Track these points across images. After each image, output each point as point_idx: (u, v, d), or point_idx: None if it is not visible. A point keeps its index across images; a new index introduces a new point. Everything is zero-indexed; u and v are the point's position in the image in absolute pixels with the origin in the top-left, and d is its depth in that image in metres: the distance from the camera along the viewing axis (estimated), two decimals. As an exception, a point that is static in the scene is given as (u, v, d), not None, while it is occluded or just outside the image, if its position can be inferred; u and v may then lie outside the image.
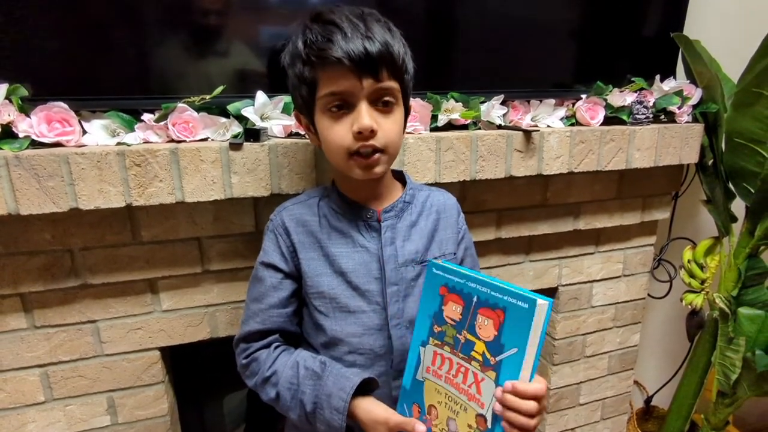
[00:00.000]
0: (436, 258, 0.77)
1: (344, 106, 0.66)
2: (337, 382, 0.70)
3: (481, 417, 0.62)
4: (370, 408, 0.69)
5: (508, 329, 0.59)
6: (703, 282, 1.41)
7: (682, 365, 1.57)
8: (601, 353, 1.45)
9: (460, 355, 0.64)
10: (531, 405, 0.58)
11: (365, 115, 0.65)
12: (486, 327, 0.61)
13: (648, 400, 1.70)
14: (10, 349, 0.91)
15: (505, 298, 0.59)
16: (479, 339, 0.62)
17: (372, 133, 0.66)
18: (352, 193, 0.76)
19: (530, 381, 0.59)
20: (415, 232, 0.77)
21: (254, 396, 1.38)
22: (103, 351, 0.97)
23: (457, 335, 0.64)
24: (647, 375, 1.71)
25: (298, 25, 0.68)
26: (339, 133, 0.67)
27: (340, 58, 0.62)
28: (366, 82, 0.65)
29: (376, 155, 0.68)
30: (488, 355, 0.61)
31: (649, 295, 1.47)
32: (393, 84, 0.68)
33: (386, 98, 0.68)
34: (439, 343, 0.67)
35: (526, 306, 0.57)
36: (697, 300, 1.41)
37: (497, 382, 0.60)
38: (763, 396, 1.28)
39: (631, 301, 1.43)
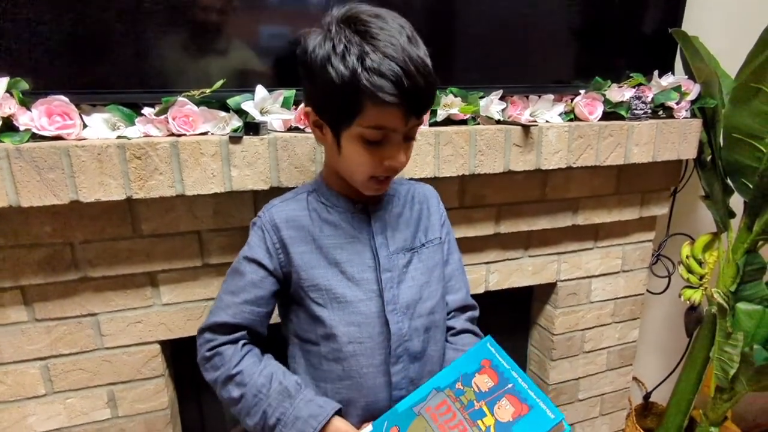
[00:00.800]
0: (423, 245, 0.80)
1: (381, 139, 0.67)
2: (309, 407, 0.71)
3: None
4: (336, 427, 0.71)
5: (523, 423, 0.63)
6: (701, 277, 1.41)
7: (681, 361, 1.57)
8: (600, 349, 1.45)
9: (467, 415, 0.67)
10: None
11: (401, 155, 0.68)
12: (505, 410, 0.65)
13: (647, 396, 1.70)
14: (10, 341, 0.92)
15: (538, 401, 0.64)
16: (493, 415, 0.66)
17: (400, 167, 0.70)
18: (342, 189, 0.77)
19: None
20: (401, 221, 0.79)
21: None
22: (103, 344, 0.97)
23: (475, 401, 0.68)
24: (646, 371, 1.71)
25: (339, 25, 0.64)
26: (370, 161, 0.68)
27: (398, 102, 0.61)
28: (410, 122, 0.66)
29: (390, 179, 0.73)
30: (492, 430, 0.64)
31: (647, 290, 1.47)
32: (425, 117, 0.70)
33: (415, 129, 0.70)
34: (454, 397, 0.70)
35: (553, 417, 0.62)
36: (696, 295, 1.41)
37: None
38: (761, 391, 1.28)
39: (630, 296, 1.43)
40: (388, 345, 0.75)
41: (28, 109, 0.82)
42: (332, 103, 0.66)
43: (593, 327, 1.42)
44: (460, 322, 0.86)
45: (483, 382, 0.69)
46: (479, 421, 0.65)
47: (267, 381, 0.72)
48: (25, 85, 0.81)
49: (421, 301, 0.78)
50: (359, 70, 0.60)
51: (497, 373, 0.69)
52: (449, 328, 0.85)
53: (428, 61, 0.64)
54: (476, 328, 0.88)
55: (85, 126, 0.85)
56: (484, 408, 0.66)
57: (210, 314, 0.77)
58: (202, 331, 0.77)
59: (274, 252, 0.74)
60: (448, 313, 0.86)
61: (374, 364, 0.74)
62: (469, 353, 0.73)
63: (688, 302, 1.42)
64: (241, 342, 0.75)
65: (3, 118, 0.79)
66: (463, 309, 0.87)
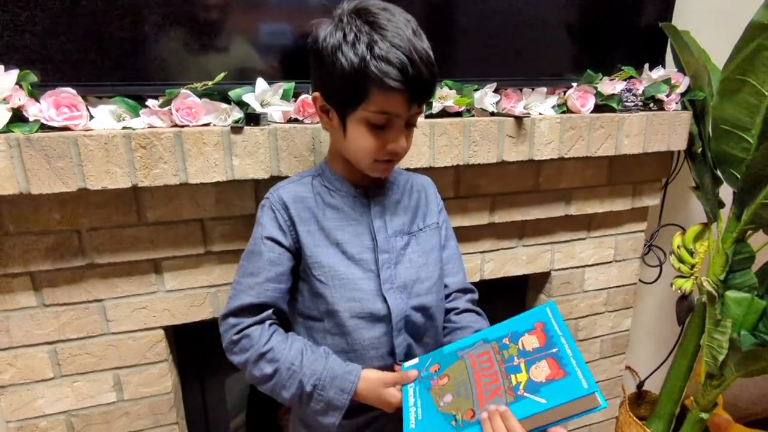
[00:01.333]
0: (421, 229, 0.85)
1: (385, 123, 0.71)
2: (342, 367, 0.75)
3: (471, 411, 0.68)
4: (366, 376, 0.75)
5: (554, 386, 0.63)
6: (692, 267, 1.44)
7: (673, 350, 1.60)
8: (594, 337, 1.49)
9: (504, 368, 0.69)
10: None
11: (402, 140, 0.73)
12: (542, 370, 0.65)
13: (640, 384, 1.74)
14: (20, 326, 0.95)
15: (577, 370, 0.63)
16: (528, 373, 0.66)
17: (402, 152, 0.75)
18: (345, 174, 0.81)
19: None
20: (400, 207, 0.84)
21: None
22: (109, 329, 1.00)
23: (515, 357, 0.70)
24: (639, 360, 1.74)
25: (351, 16, 0.68)
26: (372, 144, 0.72)
27: (403, 88, 0.66)
28: (413, 109, 0.70)
29: (393, 162, 0.77)
30: (522, 386, 0.65)
31: (640, 280, 1.50)
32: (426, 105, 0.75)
33: (416, 116, 0.74)
34: (497, 350, 0.73)
35: (586, 387, 0.60)
36: (687, 285, 1.44)
37: (507, 405, 0.65)
38: (749, 376, 1.32)
39: (623, 286, 1.46)
40: (389, 319, 0.79)
41: (37, 100, 0.84)
42: (340, 89, 0.70)
43: (587, 316, 1.45)
44: (462, 302, 0.90)
45: (530, 342, 0.70)
46: (512, 375, 0.67)
47: (298, 353, 0.75)
48: (34, 78, 0.84)
49: (419, 282, 0.82)
50: (368, 57, 0.65)
51: (547, 336, 0.69)
52: (452, 309, 0.89)
53: (431, 53, 0.69)
54: (478, 309, 0.92)
55: (91, 117, 0.88)
56: (522, 365, 0.67)
57: (230, 300, 0.78)
58: (225, 317, 0.78)
59: (287, 228, 0.78)
60: (449, 295, 0.90)
61: (376, 336, 0.79)
62: (526, 314, 0.75)
63: (679, 291, 1.46)
64: (268, 322, 0.77)
65: (13, 109, 0.82)
66: (463, 291, 0.91)
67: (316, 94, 0.75)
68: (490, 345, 0.74)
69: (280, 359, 0.74)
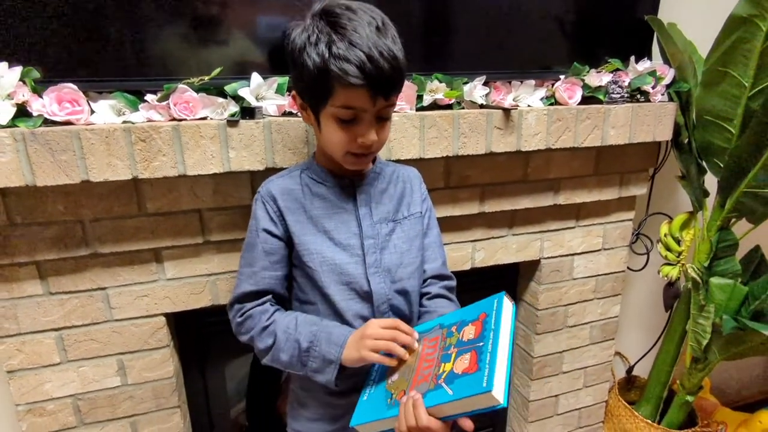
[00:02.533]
0: (405, 217, 0.89)
1: (353, 118, 0.75)
2: (337, 326, 0.81)
3: (403, 392, 0.72)
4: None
5: (463, 380, 0.65)
6: (678, 255, 1.48)
7: (661, 335, 1.65)
8: (583, 323, 1.53)
9: (441, 355, 0.73)
10: (410, 421, 0.66)
11: (371, 133, 0.76)
12: (463, 363, 0.68)
13: (629, 370, 1.78)
14: (27, 313, 0.99)
15: (487, 367, 0.64)
16: (453, 363, 0.70)
17: (372, 145, 0.77)
18: (330, 166, 0.86)
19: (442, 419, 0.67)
20: (385, 196, 0.88)
21: (255, 374, 1.48)
22: (112, 316, 1.04)
23: (453, 346, 0.73)
24: (629, 346, 1.79)
25: (319, 21, 0.71)
26: (343, 138, 0.76)
27: (362, 84, 0.69)
28: (378, 103, 0.73)
29: (368, 155, 0.80)
30: (444, 376, 0.68)
31: (628, 267, 1.54)
32: (395, 99, 0.77)
33: (388, 110, 0.77)
34: (445, 336, 0.76)
35: (485, 385, 0.61)
36: (673, 272, 1.49)
37: (426, 392, 0.68)
38: (732, 359, 1.36)
39: (611, 273, 1.50)
40: (372, 301, 0.84)
41: (40, 96, 0.87)
42: (309, 87, 0.75)
43: (576, 302, 1.49)
44: (435, 288, 0.94)
45: (469, 332, 0.73)
46: (443, 364, 0.70)
47: (293, 319, 0.81)
48: (36, 74, 0.87)
49: (402, 267, 0.86)
50: (327, 56, 0.69)
51: (482, 329, 0.71)
52: (425, 293, 0.93)
53: (395, 48, 0.71)
54: (451, 295, 0.96)
55: (92, 112, 0.91)
56: (453, 355, 0.70)
57: (235, 288, 0.86)
58: (231, 304, 0.86)
59: (277, 219, 0.83)
60: (425, 281, 0.94)
61: (365, 316, 0.84)
62: (479, 303, 0.78)
63: (666, 278, 1.50)
64: (268, 303, 0.84)
65: (17, 104, 0.86)
66: (439, 277, 0.95)
67: (294, 92, 0.81)
68: (441, 331, 0.78)
69: (278, 328, 0.81)
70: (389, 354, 0.75)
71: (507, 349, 0.67)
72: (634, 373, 1.79)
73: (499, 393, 0.61)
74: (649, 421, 1.54)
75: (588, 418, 1.66)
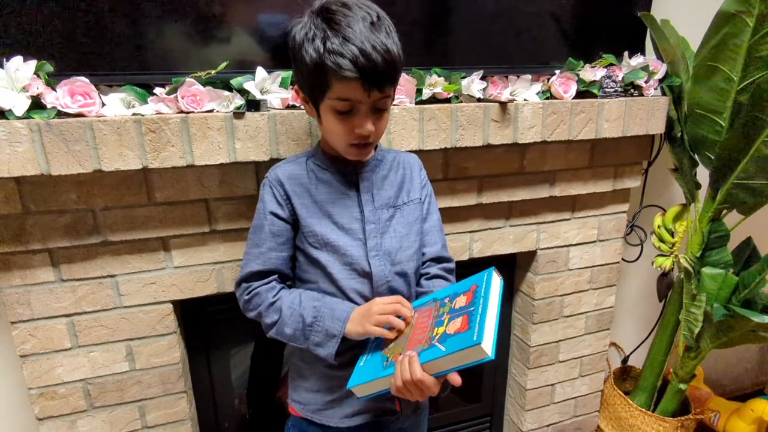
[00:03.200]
0: (405, 203, 0.92)
1: (350, 110, 0.78)
2: (339, 302, 0.86)
3: (398, 354, 0.77)
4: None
5: (456, 338, 0.71)
6: (672, 246, 1.52)
7: (656, 326, 1.68)
8: (579, 314, 1.56)
9: (433, 322, 0.79)
10: (405, 375, 0.72)
11: (369, 124, 0.79)
12: (455, 325, 0.74)
13: (625, 360, 1.82)
14: (40, 299, 1.02)
15: (477, 324, 0.69)
16: (445, 327, 0.75)
17: (370, 135, 0.80)
18: (335, 154, 0.89)
19: (434, 375, 0.72)
20: (386, 183, 0.92)
21: (255, 367, 1.51)
22: (121, 303, 1.08)
23: (445, 313, 0.78)
24: (624, 337, 1.82)
25: (316, 17, 0.75)
26: (342, 130, 0.80)
27: (356, 77, 0.73)
28: (373, 95, 0.77)
29: (368, 145, 0.83)
30: (437, 338, 0.74)
31: (622, 259, 1.57)
32: (391, 91, 0.81)
33: (384, 101, 0.80)
34: (438, 307, 0.82)
35: (475, 339, 0.67)
36: (667, 263, 1.52)
37: (420, 352, 0.74)
38: (723, 347, 1.40)
39: (606, 264, 1.54)
40: (371, 282, 0.88)
41: (54, 89, 0.91)
42: (309, 81, 0.79)
43: (572, 293, 1.53)
44: (434, 269, 0.98)
45: (461, 301, 0.78)
46: (436, 328, 0.76)
47: (297, 296, 0.86)
48: (50, 68, 0.90)
49: (401, 250, 0.90)
50: (322, 51, 0.73)
51: (474, 297, 0.77)
52: (424, 274, 0.98)
53: (388, 42, 0.74)
54: (450, 276, 1.00)
55: (103, 104, 0.94)
56: (446, 320, 0.76)
57: (242, 268, 0.90)
58: (238, 282, 0.90)
59: (284, 202, 0.87)
60: (424, 263, 0.98)
61: (365, 295, 0.88)
62: (470, 278, 0.84)
63: (660, 269, 1.53)
64: (274, 282, 0.89)
65: (32, 97, 0.89)
66: (438, 260, 0.99)
67: (296, 87, 0.85)
68: (435, 303, 0.83)
69: (283, 304, 0.85)
70: (390, 327, 0.81)
71: (495, 312, 0.73)
72: (629, 363, 1.82)
73: (487, 346, 0.66)
74: (644, 410, 1.58)
75: (584, 406, 1.70)
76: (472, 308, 0.74)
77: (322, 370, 0.92)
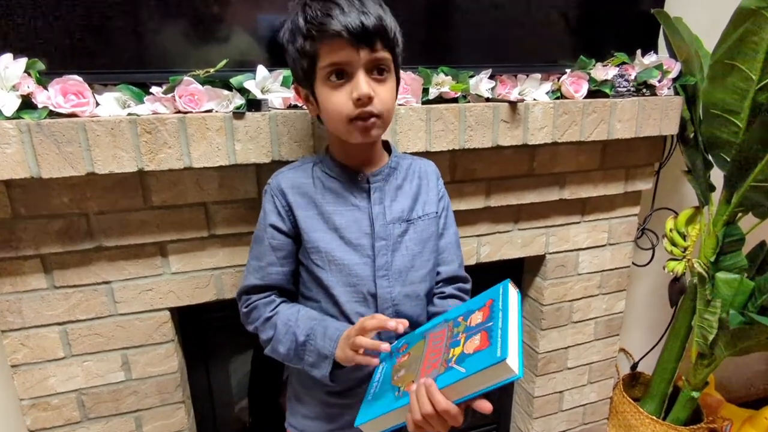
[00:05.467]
0: (419, 217, 0.86)
1: (343, 75, 0.73)
2: (335, 323, 0.79)
3: (411, 382, 0.69)
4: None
5: (477, 356, 0.63)
6: (684, 250, 1.47)
7: (666, 331, 1.64)
8: (588, 319, 1.52)
9: (449, 343, 0.71)
10: (425, 407, 0.62)
11: (363, 84, 0.72)
12: (473, 343, 0.66)
13: (634, 366, 1.78)
14: (31, 307, 0.98)
15: (499, 340, 0.62)
16: (463, 346, 0.67)
17: (370, 99, 0.73)
18: (345, 159, 0.84)
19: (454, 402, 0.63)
20: (400, 194, 0.85)
21: (257, 371, 1.47)
22: (117, 311, 1.04)
23: (461, 333, 0.71)
24: (634, 343, 1.78)
25: (297, 4, 0.74)
26: (340, 101, 0.74)
27: (338, 31, 0.69)
28: (363, 53, 0.71)
29: (373, 119, 0.75)
30: (454, 359, 0.66)
31: (633, 263, 1.53)
32: (386, 54, 0.75)
33: (381, 67, 0.75)
34: (451, 327, 0.74)
35: (499, 355, 0.59)
36: (679, 267, 1.48)
37: (437, 376, 0.66)
38: (738, 355, 1.36)
39: (616, 269, 1.50)
40: (375, 304, 0.82)
41: (45, 88, 0.87)
42: (299, 63, 0.75)
43: (581, 298, 1.49)
44: (449, 289, 0.92)
45: (476, 318, 0.71)
46: (452, 350, 0.68)
47: (295, 312, 0.82)
48: (41, 66, 0.86)
49: (413, 270, 0.84)
50: (304, 23, 0.71)
51: (490, 312, 0.70)
52: (437, 293, 0.91)
53: (371, 1, 0.72)
54: (465, 297, 0.93)
55: (97, 104, 0.90)
56: (462, 339, 0.69)
57: (243, 279, 0.87)
58: (240, 294, 0.87)
59: (285, 214, 0.82)
60: (438, 282, 0.92)
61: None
62: (485, 293, 0.76)
63: (671, 274, 1.49)
64: (274, 296, 0.85)
65: (22, 96, 0.85)
66: (452, 280, 0.93)
67: (295, 85, 0.82)
68: (447, 324, 0.76)
69: (279, 320, 0.81)
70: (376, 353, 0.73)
71: (516, 326, 0.65)
72: (639, 369, 1.78)
73: (513, 362, 0.58)
74: (655, 417, 1.54)
75: (593, 414, 1.66)
76: (491, 323, 0.67)
77: (321, 397, 0.87)
